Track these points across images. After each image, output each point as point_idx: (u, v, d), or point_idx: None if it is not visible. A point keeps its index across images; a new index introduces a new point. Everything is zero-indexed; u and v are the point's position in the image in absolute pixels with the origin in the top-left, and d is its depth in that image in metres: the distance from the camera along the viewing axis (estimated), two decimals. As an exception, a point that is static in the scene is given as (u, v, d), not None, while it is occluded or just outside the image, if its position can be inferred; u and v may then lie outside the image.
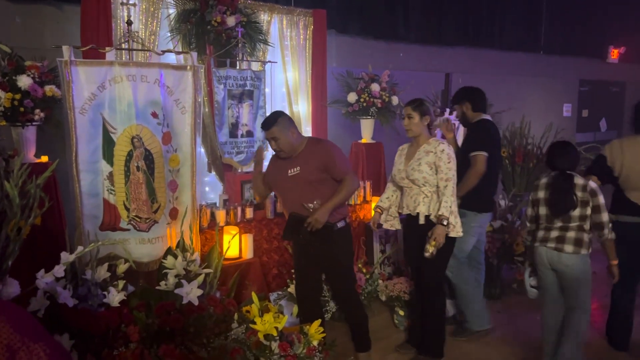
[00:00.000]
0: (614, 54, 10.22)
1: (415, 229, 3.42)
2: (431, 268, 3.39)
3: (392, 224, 3.71)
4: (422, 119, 3.42)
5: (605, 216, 3.18)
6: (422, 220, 3.39)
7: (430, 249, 3.25)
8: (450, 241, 3.38)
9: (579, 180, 3.18)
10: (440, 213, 3.26)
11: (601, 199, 3.16)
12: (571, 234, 3.17)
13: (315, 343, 2.86)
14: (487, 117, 3.97)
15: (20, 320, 1.23)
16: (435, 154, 3.34)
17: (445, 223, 3.25)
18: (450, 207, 3.27)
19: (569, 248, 3.16)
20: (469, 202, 3.76)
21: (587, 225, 3.18)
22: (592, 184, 3.20)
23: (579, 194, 3.15)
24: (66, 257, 2.71)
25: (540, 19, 8.67)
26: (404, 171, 3.47)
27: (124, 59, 3.70)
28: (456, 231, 3.35)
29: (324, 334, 2.90)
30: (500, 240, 4.61)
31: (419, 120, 3.41)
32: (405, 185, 3.49)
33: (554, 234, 3.21)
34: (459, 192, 3.53)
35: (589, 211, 3.17)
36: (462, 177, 3.64)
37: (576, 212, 3.16)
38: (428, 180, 3.36)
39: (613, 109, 10.89)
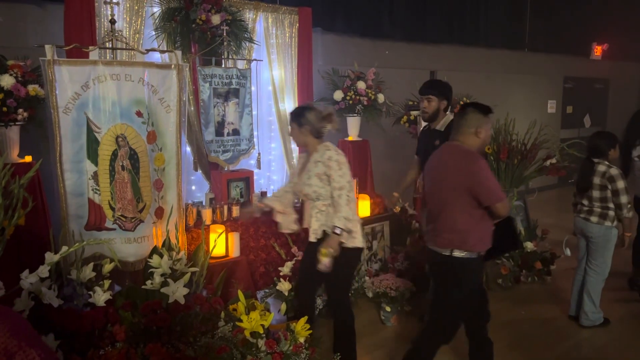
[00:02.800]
0: (598, 51, 10.36)
1: (309, 245, 3.23)
2: (334, 283, 3.17)
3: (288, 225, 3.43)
4: (301, 129, 3.17)
5: (623, 199, 3.77)
6: (311, 237, 3.17)
7: (322, 259, 2.98)
8: (353, 253, 3.15)
9: (600, 167, 3.83)
10: (333, 223, 3.04)
11: (619, 184, 3.76)
12: (597, 209, 3.88)
13: (301, 340, 2.87)
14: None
15: (17, 325, 1.26)
16: (324, 163, 3.09)
17: (337, 232, 3.00)
18: (346, 217, 3.02)
19: (594, 219, 3.89)
20: None
21: (611, 204, 3.82)
22: (614, 171, 3.78)
23: (597, 179, 3.82)
24: (51, 257, 2.71)
25: (524, 16, 8.75)
26: (299, 184, 3.25)
27: (108, 58, 3.68)
28: (357, 241, 3.12)
29: (310, 331, 2.91)
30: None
31: (297, 131, 3.19)
32: (303, 198, 3.31)
33: (585, 207, 3.95)
34: None
35: (609, 193, 3.80)
36: None
37: (596, 194, 3.86)
38: (321, 193, 3.12)
39: (597, 105, 11.02)
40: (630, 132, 4.88)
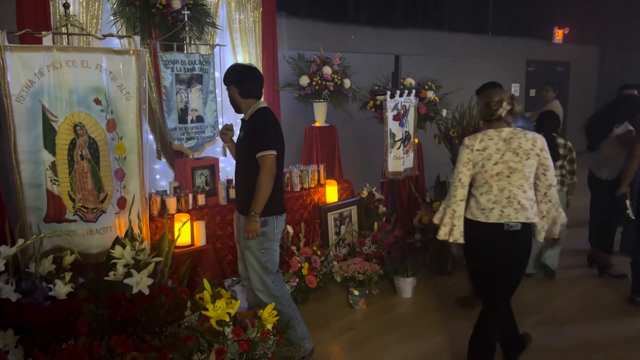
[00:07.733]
0: (559, 34, 10.55)
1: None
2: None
3: None
4: None
5: (575, 166, 4.48)
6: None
7: None
8: None
9: (560, 140, 4.47)
10: None
11: (574, 154, 4.49)
12: (557, 177, 4.32)
13: (269, 327, 2.87)
14: (264, 104, 3.31)
15: None
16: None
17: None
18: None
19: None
20: (268, 207, 3.17)
21: (564, 171, 4.51)
22: (569, 143, 4.48)
23: (561, 150, 4.44)
24: (6, 250, 2.63)
25: (487, 0, 8.83)
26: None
27: (65, 43, 3.56)
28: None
29: (277, 317, 2.91)
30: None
31: None
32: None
33: None
34: (256, 206, 3.10)
35: (564, 162, 4.48)
36: (248, 183, 3.18)
37: (558, 163, 4.38)
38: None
39: (559, 88, 11.24)
40: (613, 111, 4.87)
